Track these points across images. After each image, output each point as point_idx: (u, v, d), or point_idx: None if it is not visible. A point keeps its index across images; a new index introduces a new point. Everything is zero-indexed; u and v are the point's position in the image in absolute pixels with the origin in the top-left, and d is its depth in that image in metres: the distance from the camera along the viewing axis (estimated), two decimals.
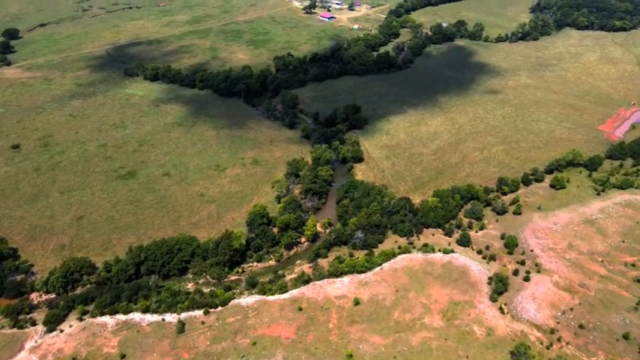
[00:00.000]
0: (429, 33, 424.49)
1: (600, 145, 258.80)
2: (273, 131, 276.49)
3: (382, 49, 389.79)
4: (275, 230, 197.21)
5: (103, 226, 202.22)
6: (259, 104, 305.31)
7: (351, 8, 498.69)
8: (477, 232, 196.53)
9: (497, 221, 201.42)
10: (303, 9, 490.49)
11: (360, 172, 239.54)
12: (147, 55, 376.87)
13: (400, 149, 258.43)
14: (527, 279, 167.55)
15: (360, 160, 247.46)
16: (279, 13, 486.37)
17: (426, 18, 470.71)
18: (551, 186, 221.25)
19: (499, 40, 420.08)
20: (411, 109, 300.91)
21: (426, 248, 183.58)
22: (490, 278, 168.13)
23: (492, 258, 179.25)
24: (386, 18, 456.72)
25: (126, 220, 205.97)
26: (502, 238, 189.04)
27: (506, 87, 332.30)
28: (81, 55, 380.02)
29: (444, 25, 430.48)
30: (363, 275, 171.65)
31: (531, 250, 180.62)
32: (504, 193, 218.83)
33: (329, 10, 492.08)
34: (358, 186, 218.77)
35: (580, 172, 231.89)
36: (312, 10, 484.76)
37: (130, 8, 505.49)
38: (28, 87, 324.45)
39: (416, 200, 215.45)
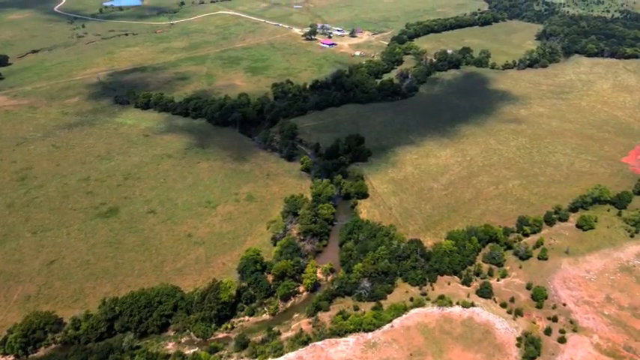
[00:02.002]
0: (434, 60, 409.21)
1: (626, 180, 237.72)
2: (270, 164, 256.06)
3: (385, 77, 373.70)
4: (270, 278, 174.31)
5: (77, 273, 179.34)
6: (256, 134, 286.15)
7: (352, 35, 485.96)
8: (498, 280, 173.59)
9: (520, 267, 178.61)
10: (303, 35, 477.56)
11: (365, 210, 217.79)
12: (140, 82, 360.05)
13: (408, 184, 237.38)
14: (562, 340, 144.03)
15: (364, 195, 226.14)
16: (278, 40, 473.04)
17: (429, 45, 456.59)
18: (578, 226, 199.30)
19: (506, 67, 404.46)
20: (418, 140, 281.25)
21: (443, 301, 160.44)
22: (519, 339, 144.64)
23: (519, 313, 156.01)
24: (388, 45, 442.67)
25: (103, 265, 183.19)
26: (528, 288, 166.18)
27: (518, 116, 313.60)
28: (71, 82, 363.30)
29: (449, 51, 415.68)
30: (370, 335, 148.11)
31: (564, 304, 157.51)
32: (526, 234, 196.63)
33: (330, 37, 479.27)
34: (363, 226, 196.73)
35: (608, 211, 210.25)
36: (313, 37, 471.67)
37: (126, 35, 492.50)
38: (11, 115, 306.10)
39: (428, 242, 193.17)
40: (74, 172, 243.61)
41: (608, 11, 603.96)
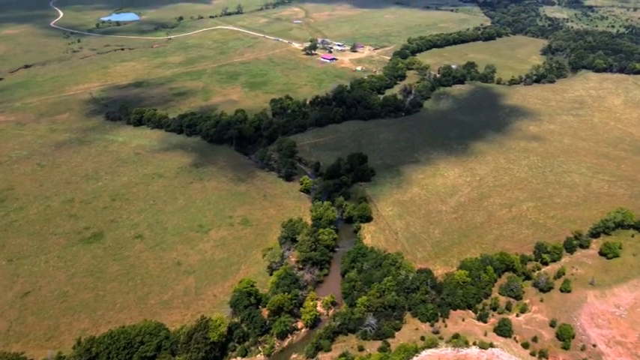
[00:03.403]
0: (438, 75, 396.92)
1: None
2: (267, 184, 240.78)
3: (388, 92, 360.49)
4: (265, 313, 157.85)
5: (53, 306, 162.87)
6: (253, 152, 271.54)
7: (353, 50, 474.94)
8: (517, 315, 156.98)
9: (541, 301, 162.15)
10: (303, 50, 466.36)
11: (369, 235, 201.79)
12: (133, 98, 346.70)
13: (415, 206, 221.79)
14: None
15: (368, 219, 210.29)
16: (277, 55, 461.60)
17: (432, 60, 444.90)
18: (602, 254, 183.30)
19: (513, 82, 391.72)
20: (424, 158, 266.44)
21: (458, 341, 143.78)
22: None
23: (544, 355, 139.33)
24: (390, 60, 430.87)
25: (82, 298, 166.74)
26: (552, 325, 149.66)
27: (528, 133, 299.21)
28: (62, 98, 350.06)
29: (454, 66, 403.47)
30: None
31: (594, 345, 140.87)
32: (545, 263, 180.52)
33: (330, 52, 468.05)
34: (367, 254, 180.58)
35: (632, 236, 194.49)
36: (313, 52, 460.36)
37: (122, 49, 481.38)
38: None
39: (438, 272, 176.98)
40: (58, 192, 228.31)
41: (613, 26, 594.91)
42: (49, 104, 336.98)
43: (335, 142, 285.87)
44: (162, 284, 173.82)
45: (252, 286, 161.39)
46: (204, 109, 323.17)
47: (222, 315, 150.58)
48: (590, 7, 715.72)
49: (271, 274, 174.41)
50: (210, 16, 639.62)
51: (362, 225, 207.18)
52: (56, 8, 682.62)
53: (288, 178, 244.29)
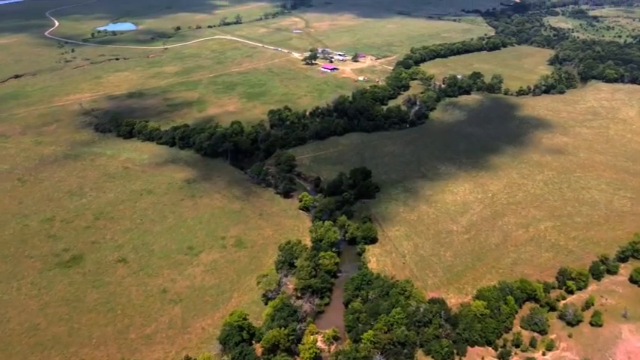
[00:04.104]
0: (443, 85, 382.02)
1: None
2: (263, 201, 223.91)
3: (391, 103, 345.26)
4: (259, 349, 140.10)
5: (21, 342, 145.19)
6: (249, 166, 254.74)
7: (355, 59, 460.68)
8: (544, 354, 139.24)
9: (570, 336, 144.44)
10: (303, 60, 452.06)
11: (374, 258, 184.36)
12: (125, 109, 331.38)
13: (423, 225, 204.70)
14: None
15: (373, 240, 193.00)
16: (276, 64, 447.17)
17: (436, 70, 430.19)
18: (632, 281, 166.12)
19: (521, 93, 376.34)
20: (432, 173, 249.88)
21: None
22: None
23: None
24: (393, 69, 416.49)
25: (54, 331, 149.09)
26: None
27: (540, 146, 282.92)
28: (51, 109, 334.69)
29: (459, 77, 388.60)
30: None
31: None
32: (570, 291, 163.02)
33: (331, 62, 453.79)
34: (373, 281, 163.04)
35: None
36: (313, 62, 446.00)
37: (117, 59, 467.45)
38: None
39: (452, 301, 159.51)
40: (38, 210, 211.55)
41: (620, 36, 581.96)
42: (37, 115, 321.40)
43: (336, 155, 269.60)
44: (146, 315, 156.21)
45: (244, 319, 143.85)
46: (199, 121, 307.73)
47: (209, 355, 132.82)
48: (595, 18, 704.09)
49: (266, 304, 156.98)
50: (209, 26, 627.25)
51: (366, 247, 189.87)
52: (52, 18, 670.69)
53: (287, 194, 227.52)
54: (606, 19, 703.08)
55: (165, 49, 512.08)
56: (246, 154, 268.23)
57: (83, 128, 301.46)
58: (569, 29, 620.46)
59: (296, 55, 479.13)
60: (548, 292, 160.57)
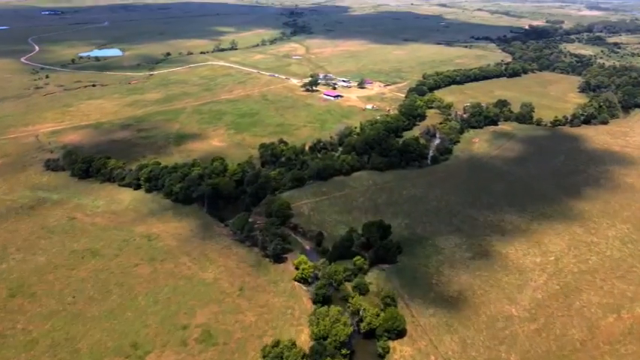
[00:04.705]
0: (463, 115, 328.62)
1: None
2: (246, 268, 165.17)
3: (406, 135, 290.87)
4: None
5: None
6: (233, 216, 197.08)
7: (361, 86, 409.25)
8: None
9: None
10: (302, 86, 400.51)
11: None
12: (87, 143, 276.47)
13: (468, 307, 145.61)
14: None
15: (400, 333, 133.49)
16: (272, 91, 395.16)
17: (454, 97, 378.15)
18: None
19: (556, 123, 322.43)
20: (468, 226, 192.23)
21: None
22: None
23: None
24: (406, 97, 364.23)
25: None
26: None
27: (599, 189, 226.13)
28: (1, 141, 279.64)
29: (484, 105, 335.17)
30: None
31: None
32: None
33: (334, 88, 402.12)
34: None
35: None
36: (314, 88, 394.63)
37: (94, 86, 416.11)
38: None
39: None
40: None
41: None
42: None
43: (343, 201, 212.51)
44: None
45: None
46: (175, 157, 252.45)
47: None
48: (616, 45, 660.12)
49: None
50: (201, 52, 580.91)
51: (391, 344, 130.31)
52: (33, 44, 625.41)
53: (278, 258, 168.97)
54: (627, 45, 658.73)
55: (151, 75, 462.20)
56: (229, 200, 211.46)
57: (32, 166, 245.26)
58: (591, 56, 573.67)
59: (294, 81, 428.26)
60: None
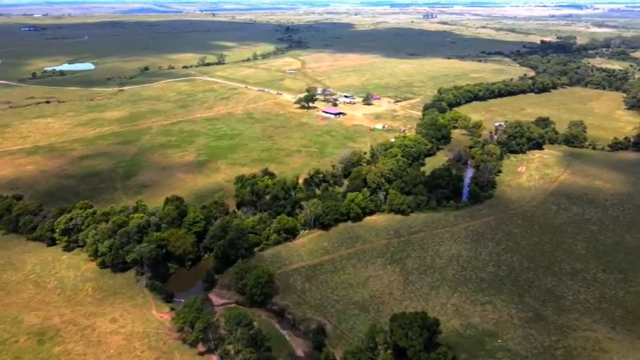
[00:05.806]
0: (495, 136, 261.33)
1: None
2: None
3: (430, 162, 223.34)
4: None
5: None
6: (186, 289, 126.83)
7: (367, 102, 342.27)
8: None
9: None
10: (296, 102, 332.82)
11: None
12: (6, 174, 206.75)
13: None
14: None
15: None
16: (259, 109, 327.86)
17: (478, 115, 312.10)
18: None
19: (617, 146, 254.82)
20: (552, 310, 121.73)
21: None
22: None
23: None
24: (424, 114, 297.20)
25: None
26: None
27: None
28: None
29: (524, 125, 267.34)
30: None
31: None
32: None
33: (335, 105, 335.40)
34: None
35: None
36: (311, 104, 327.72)
37: (48, 102, 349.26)
38: None
39: None
40: None
41: None
42: None
43: (354, 264, 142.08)
44: None
45: None
46: (120, 194, 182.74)
47: None
48: None
49: None
50: (184, 67, 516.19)
51: None
52: None
53: None
54: None
55: (120, 90, 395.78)
56: (182, 263, 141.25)
57: None
58: (620, 70, 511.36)
59: (288, 97, 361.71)
60: None
